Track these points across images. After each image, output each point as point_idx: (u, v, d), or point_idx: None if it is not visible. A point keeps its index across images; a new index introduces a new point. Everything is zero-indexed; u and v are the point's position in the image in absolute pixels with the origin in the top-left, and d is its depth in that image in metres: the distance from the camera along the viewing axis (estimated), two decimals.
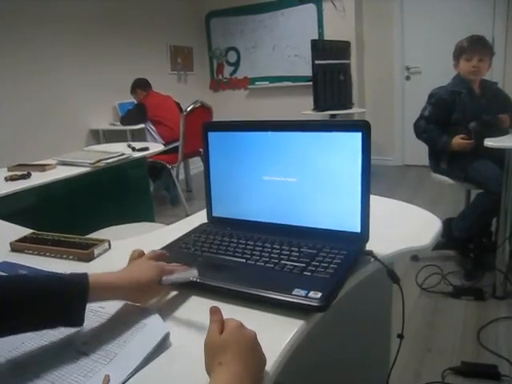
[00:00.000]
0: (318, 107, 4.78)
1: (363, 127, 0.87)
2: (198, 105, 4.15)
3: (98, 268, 1.00)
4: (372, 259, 0.89)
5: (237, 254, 0.93)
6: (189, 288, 0.84)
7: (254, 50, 6.02)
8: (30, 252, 1.11)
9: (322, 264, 0.84)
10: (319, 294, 0.74)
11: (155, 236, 1.18)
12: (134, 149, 2.62)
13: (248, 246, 0.95)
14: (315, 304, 0.72)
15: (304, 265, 0.84)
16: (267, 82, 6.00)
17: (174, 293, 0.85)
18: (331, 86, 4.89)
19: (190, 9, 6.10)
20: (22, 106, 4.06)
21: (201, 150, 4.20)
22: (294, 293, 0.75)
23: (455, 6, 5.00)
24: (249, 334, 0.62)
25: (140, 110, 4.37)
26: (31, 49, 4.11)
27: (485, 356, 1.91)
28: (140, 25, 5.25)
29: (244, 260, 0.90)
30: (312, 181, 0.95)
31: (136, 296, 0.78)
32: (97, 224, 1.88)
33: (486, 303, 2.34)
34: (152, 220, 2.75)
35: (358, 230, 0.91)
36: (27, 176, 2.09)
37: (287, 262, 0.86)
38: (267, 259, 0.89)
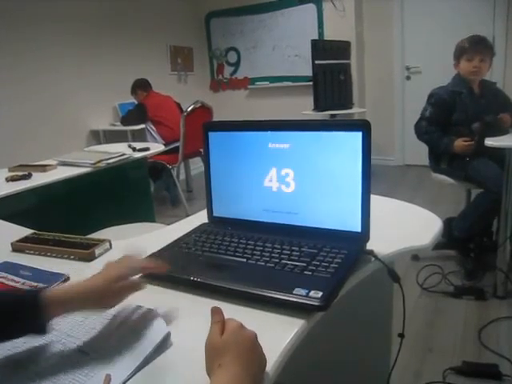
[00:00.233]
0: (318, 107, 4.78)
1: (363, 127, 0.87)
2: (199, 105, 4.15)
3: (99, 268, 1.00)
4: (372, 259, 0.89)
5: (237, 254, 0.93)
6: (190, 288, 0.84)
7: (254, 50, 6.02)
8: (32, 252, 1.12)
9: (323, 263, 0.84)
10: (320, 294, 0.74)
11: (156, 236, 1.18)
12: (134, 149, 2.62)
13: (249, 246, 0.95)
14: (316, 303, 0.72)
15: (305, 264, 0.84)
16: (267, 82, 6.00)
17: (174, 292, 0.85)
18: (331, 86, 4.89)
19: (190, 9, 6.10)
20: (22, 106, 4.07)
21: (201, 150, 4.18)
22: (294, 292, 0.75)
23: (455, 6, 5.00)
24: (249, 335, 0.62)
25: (140, 111, 4.37)
26: (31, 49, 4.11)
27: (486, 355, 1.91)
28: (140, 25, 5.25)
29: (245, 260, 0.90)
30: (312, 180, 0.95)
31: (97, 303, 0.74)
32: (97, 224, 1.88)
33: (486, 303, 2.34)
34: (152, 220, 2.75)
35: (359, 229, 0.91)
36: (28, 176, 2.10)
37: (288, 262, 0.86)
38: (268, 259, 0.89)
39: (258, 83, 6.09)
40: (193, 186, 5.17)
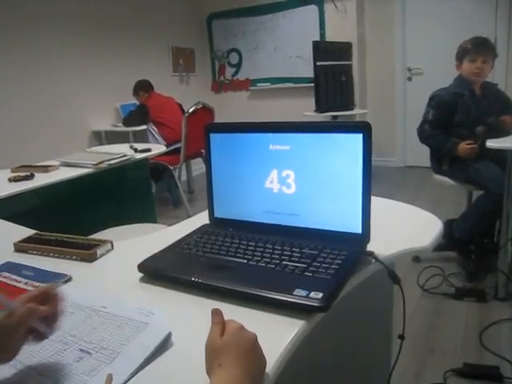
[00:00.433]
0: (319, 108, 4.78)
1: (364, 128, 0.88)
2: (200, 106, 4.16)
3: (101, 268, 1.02)
4: (373, 260, 0.89)
5: (238, 255, 0.93)
6: (191, 288, 0.84)
7: (256, 51, 6.03)
8: (34, 252, 1.12)
9: (323, 265, 0.84)
10: (320, 295, 0.74)
11: (157, 237, 1.18)
12: (136, 150, 2.62)
13: (249, 247, 0.96)
14: (316, 304, 0.73)
15: (305, 265, 0.85)
16: (269, 84, 6.01)
17: (176, 293, 0.85)
18: (333, 87, 4.90)
19: (192, 10, 6.11)
20: (22, 106, 4.08)
21: (203, 151, 4.20)
22: (295, 293, 0.75)
23: (457, 7, 5.00)
24: (249, 336, 0.62)
25: (142, 112, 4.38)
26: (32, 49, 4.13)
27: (487, 357, 1.91)
28: (142, 26, 5.26)
29: (245, 261, 0.91)
30: (313, 182, 0.96)
31: None
32: (99, 225, 1.89)
33: (487, 305, 2.34)
34: (154, 221, 2.75)
35: (359, 230, 0.92)
36: (30, 177, 2.10)
37: (288, 263, 0.87)
38: (268, 260, 0.89)
39: (259, 84, 6.10)
40: (194, 186, 5.18)
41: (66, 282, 0.95)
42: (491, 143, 2.22)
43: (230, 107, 6.12)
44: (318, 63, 4.72)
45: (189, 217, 1.32)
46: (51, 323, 0.67)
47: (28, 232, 1.25)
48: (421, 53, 5.32)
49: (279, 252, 0.92)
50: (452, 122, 2.71)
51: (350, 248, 0.89)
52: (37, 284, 0.94)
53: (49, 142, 4.18)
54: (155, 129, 4.37)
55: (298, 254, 0.89)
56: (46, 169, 2.25)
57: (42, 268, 1.02)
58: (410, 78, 5.49)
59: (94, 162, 2.24)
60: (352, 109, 5.12)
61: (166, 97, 4.61)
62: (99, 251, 1.06)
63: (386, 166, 5.60)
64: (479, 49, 2.67)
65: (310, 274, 0.82)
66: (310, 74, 4.91)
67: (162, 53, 5.67)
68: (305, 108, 5.02)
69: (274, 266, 0.87)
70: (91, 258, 1.04)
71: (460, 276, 2.65)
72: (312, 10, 5.50)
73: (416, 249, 0.99)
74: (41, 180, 2.06)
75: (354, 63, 5.28)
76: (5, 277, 0.99)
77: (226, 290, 0.81)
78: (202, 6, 6.17)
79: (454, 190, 3.05)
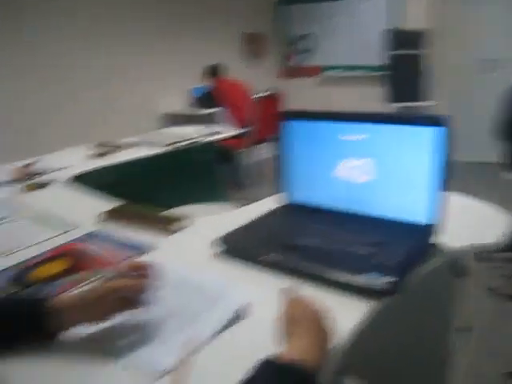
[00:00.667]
0: (391, 99, 4.69)
1: (442, 122, 0.89)
2: (269, 92, 4.20)
3: (180, 241, 1.09)
4: (439, 252, 0.91)
5: (311, 237, 0.97)
6: (266, 265, 0.90)
7: (328, 37, 5.96)
8: (118, 223, 1.22)
9: (392, 251, 0.87)
10: (387, 279, 0.78)
11: (231, 216, 1.25)
12: (206, 133, 2.71)
13: (321, 230, 1.00)
14: (383, 288, 0.76)
15: (375, 251, 0.88)
16: (340, 71, 5.93)
17: (251, 268, 0.91)
18: (406, 77, 4.77)
19: None
20: (100, 89, 4.28)
21: (270, 136, 4.24)
22: (364, 276, 0.79)
23: None
24: (319, 311, 0.67)
25: (212, 95, 4.49)
26: (109, 33, 4.32)
27: None
28: (213, 10, 5.35)
29: (318, 242, 0.95)
30: (386, 172, 0.98)
31: (89, 315, 0.72)
32: (169, 203, 1.98)
33: None
34: (220, 202, 2.84)
35: (429, 221, 0.94)
36: (108, 153, 2.24)
37: (359, 247, 0.90)
38: (340, 243, 0.93)
39: (330, 71, 6.04)
40: (259, 171, 5.25)
41: (149, 252, 1.03)
42: None
43: (299, 94, 6.10)
44: (392, 52, 4.62)
45: (253, 201, 1.37)
46: (142, 294, 0.74)
47: (111, 204, 1.35)
48: (502, 42, 5.07)
49: (350, 236, 0.95)
50: None
51: (418, 238, 0.92)
52: (122, 252, 1.03)
53: (123, 122, 4.37)
54: (224, 113, 4.46)
55: (369, 240, 0.93)
56: (122, 147, 2.38)
57: (127, 238, 1.11)
58: (486, 69, 5.24)
59: (167, 143, 2.35)
60: (425, 100, 4.97)
61: (236, 81, 4.68)
62: (179, 225, 1.14)
63: (458, 161, 5.39)
64: None
65: (379, 260, 0.85)
66: (383, 62, 4.82)
67: (233, 37, 5.74)
68: (376, 97, 4.93)
69: (344, 250, 0.91)
70: (171, 232, 1.12)
71: None
72: None
73: (484, 245, 0.99)
74: (118, 157, 2.20)
75: (430, 52, 5.10)
76: (93, 244, 1.09)
77: (298, 269, 0.86)
78: None
79: None
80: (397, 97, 4.69)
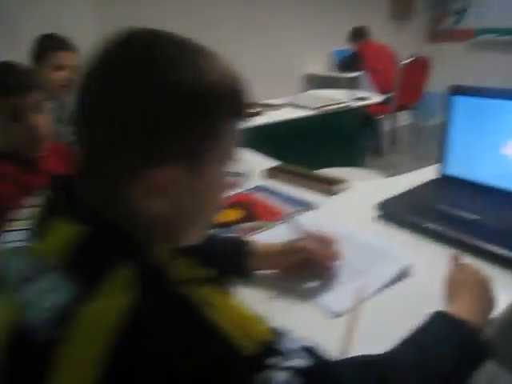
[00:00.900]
0: None
1: None
2: (416, 57, 4.04)
3: (340, 202, 1.18)
4: None
5: (470, 211, 1.00)
6: (424, 233, 0.96)
7: None
8: (280, 180, 1.34)
9: None
10: None
11: (386, 184, 1.31)
12: (353, 98, 2.73)
13: (481, 205, 1.02)
14: None
15: None
16: (496, 35, 5.44)
17: (410, 234, 0.97)
18: None
19: None
20: (250, 51, 4.43)
21: (413, 103, 4.13)
22: None
23: None
24: (484, 278, 0.71)
25: (356, 59, 4.43)
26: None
27: None
28: None
29: (477, 217, 0.97)
30: None
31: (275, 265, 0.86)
32: (313, 163, 2.06)
33: None
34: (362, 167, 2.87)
35: None
36: (260, 113, 2.38)
37: None
38: (500, 220, 0.95)
39: (484, 36, 5.57)
40: (398, 138, 5.12)
41: (312, 209, 1.14)
42: None
43: (447, 59, 5.73)
44: None
45: (392, 167, 1.39)
46: (327, 261, 0.84)
47: (271, 163, 1.47)
48: None
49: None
50: None
51: None
52: (289, 206, 1.14)
53: (267, 83, 4.51)
54: (368, 77, 4.39)
55: None
56: (274, 107, 2.51)
57: (290, 194, 1.22)
58: None
59: (316, 106, 2.43)
60: None
61: (381, 45, 4.56)
62: (338, 187, 1.22)
63: None
64: None
65: None
66: None
67: None
68: None
69: (504, 226, 0.92)
70: (331, 192, 1.21)
71: None
72: None
73: None
74: (271, 117, 2.32)
75: None
76: (262, 196, 1.22)
77: (459, 239, 0.90)
78: None
79: None
80: None
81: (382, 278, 0.81)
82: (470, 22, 5.63)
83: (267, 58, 4.61)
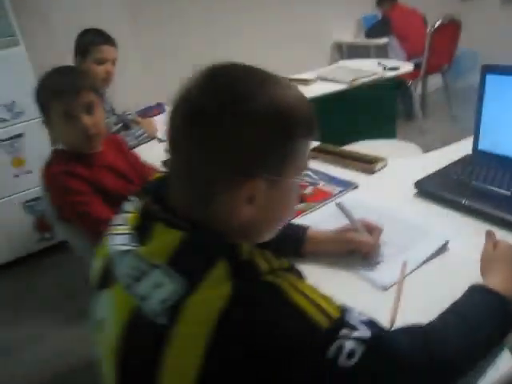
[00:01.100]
0: None
1: None
2: (446, 21, 3.96)
3: (379, 181, 1.26)
4: None
5: (503, 187, 1.07)
6: (461, 209, 1.03)
7: None
8: (322, 160, 1.42)
9: None
10: None
11: (422, 160, 1.38)
12: (385, 68, 2.73)
13: None
14: None
15: None
16: None
17: (447, 211, 1.05)
18: None
19: None
20: (274, 19, 4.39)
21: (444, 66, 4.05)
22: None
23: None
24: None
25: (384, 24, 4.36)
26: None
27: None
28: None
29: (510, 193, 1.04)
30: None
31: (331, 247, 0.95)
32: (347, 137, 2.11)
33: None
34: (394, 137, 2.91)
35: None
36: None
37: None
38: None
39: None
40: (428, 102, 5.06)
41: (354, 188, 1.22)
42: None
43: (479, 17, 5.55)
44: None
45: (421, 132, 1.44)
46: (371, 251, 0.93)
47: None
48: None
49: None
50: None
51: None
52: (334, 186, 1.23)
53: (293, 53, 4.48)
54: (397, 42, 4.33)
55: None
56: (306, 82, 2.55)
57: (333, 174, 1.31)
58: None
59: (349, 79, 2.46)
60: None
61: (410, 8, 4.46)
62: (378, 166, 1.30)
63: None
64: None
65: None
66: None
67: None
68: None
69: None
70: (371, 171, 1.29)
71: None
72: None
73: None
74: (311, 91, 2.36)
75: None
76: (308, 176, 1.30)
77: (491, 215, 0.98)
78: None
79: None
80: None
81: (422, 254, 0.90)
82: None
83: (294, 26, 4.55)
